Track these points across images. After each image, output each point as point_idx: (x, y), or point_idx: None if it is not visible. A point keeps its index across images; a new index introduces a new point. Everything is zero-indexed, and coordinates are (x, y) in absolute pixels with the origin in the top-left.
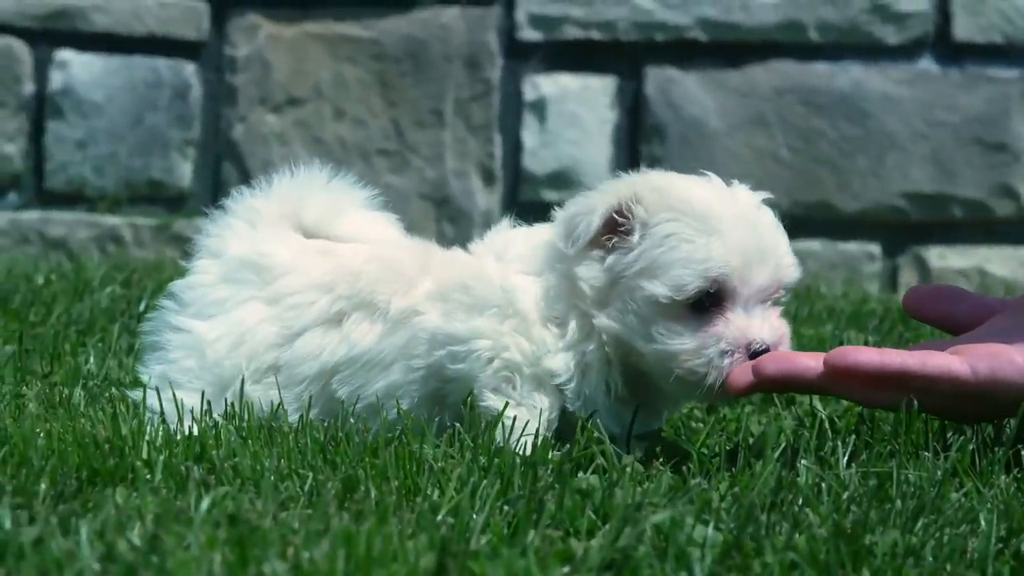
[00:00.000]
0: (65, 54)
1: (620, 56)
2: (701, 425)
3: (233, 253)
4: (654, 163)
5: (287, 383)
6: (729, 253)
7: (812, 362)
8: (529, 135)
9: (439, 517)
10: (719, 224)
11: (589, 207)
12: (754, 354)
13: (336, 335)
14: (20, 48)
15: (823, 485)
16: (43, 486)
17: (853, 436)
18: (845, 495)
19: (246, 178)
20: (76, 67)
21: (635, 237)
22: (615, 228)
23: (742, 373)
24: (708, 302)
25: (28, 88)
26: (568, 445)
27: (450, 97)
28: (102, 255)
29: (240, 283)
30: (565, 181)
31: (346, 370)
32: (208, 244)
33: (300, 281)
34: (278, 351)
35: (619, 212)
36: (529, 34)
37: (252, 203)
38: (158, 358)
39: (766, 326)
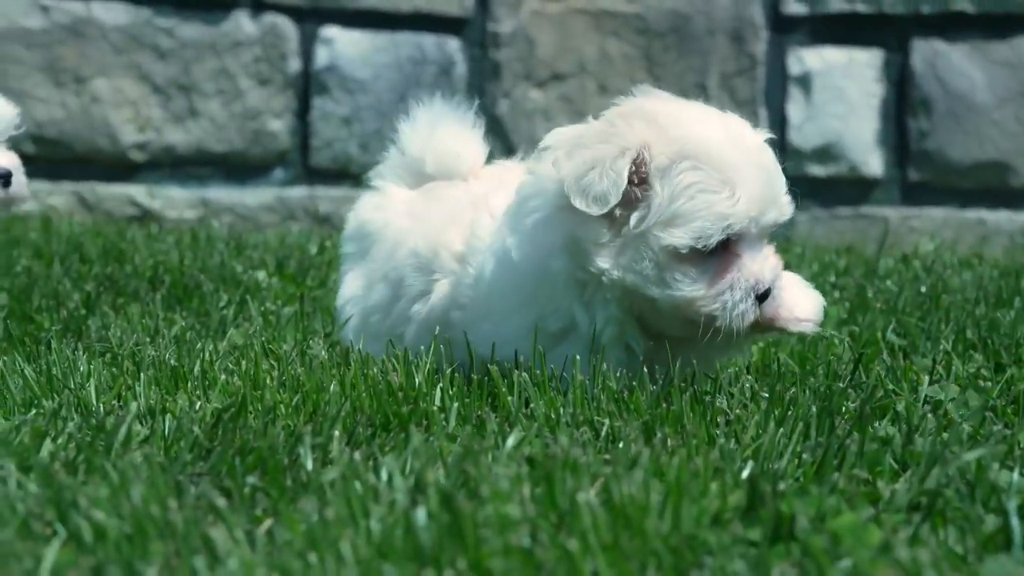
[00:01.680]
0: (330, 31)
1: (886, 29)
2: (989, 384)
3: (345, 231)
4: (922, 137)
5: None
6: (750, 204)
7: None
8: (794, 109)
9: (738, 463)
10: (737, 173)
11: (607, 165)
12: (760, 295)
13: None
14: (286, 25)
15: None
16: (337, 432)
17: None
18: None
19: (510, 153)
20: (341, 44)
21: (656, 187)
22: (631, 180)
23: None
24: (719, 245)
25: (294, 65)
26: (863, 394)
27: (714, 71)
28: None
29: (349, 257)
30: (831, 155)
31: None
32: None
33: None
34: None
35: (636, 161)
36: (794, 8)
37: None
38: None
39: (767, 267)
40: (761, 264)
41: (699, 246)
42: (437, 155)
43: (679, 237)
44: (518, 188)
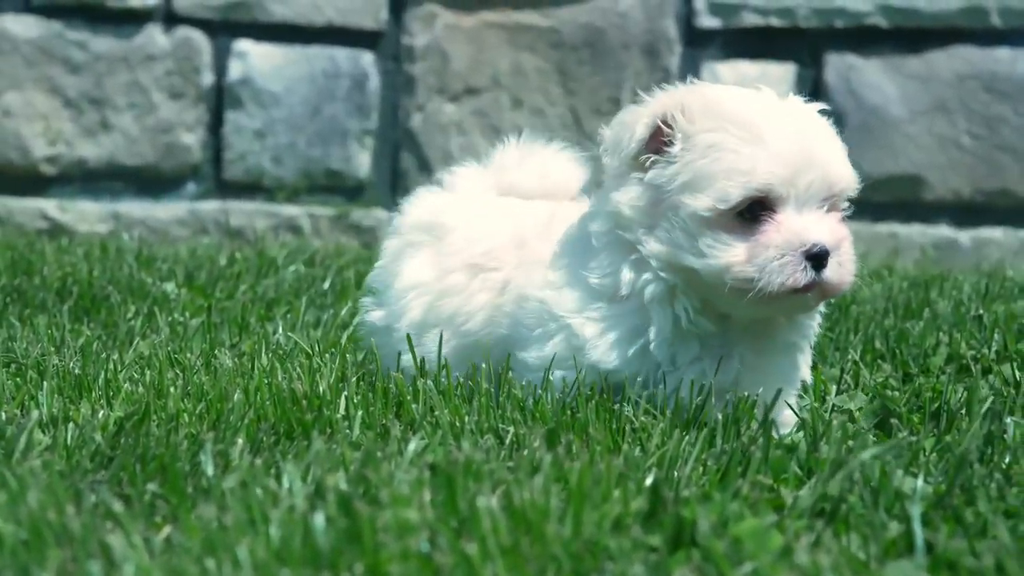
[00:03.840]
0: (244, 44)
1: (800, 43)
2: (897, 393)
3: (409, 220)
4: None
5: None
6: (773, 161)
7: None
8: None
9: (642, 470)
10: (763, 133)
11: (634, 118)
12: (812, 256)
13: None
14: (199, 39)
15: None
16: (240, 440)
17: None
18: None
19: (424, 167)
20: (255, 57)
21: (677, 148)
22: (659, 141)
23: None
24: (757, 210)
25: (207, 79)
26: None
27: (628, 85)
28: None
29: (414, 245)
30: None
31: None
32: (394, 221)
33: (460, 236)
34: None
35: (664, 122)
36: (708, 21)
37: (457, 171)
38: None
39: (823, 227)
40: (809, 224)
41: (722, 207)
42: (531, 172)
43: (702, 200)
44: None
